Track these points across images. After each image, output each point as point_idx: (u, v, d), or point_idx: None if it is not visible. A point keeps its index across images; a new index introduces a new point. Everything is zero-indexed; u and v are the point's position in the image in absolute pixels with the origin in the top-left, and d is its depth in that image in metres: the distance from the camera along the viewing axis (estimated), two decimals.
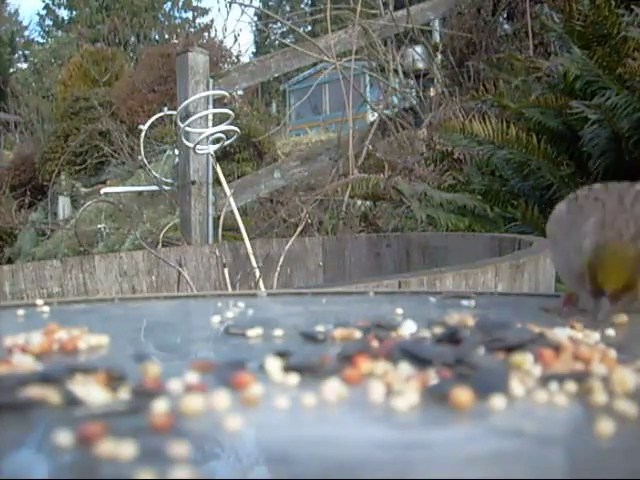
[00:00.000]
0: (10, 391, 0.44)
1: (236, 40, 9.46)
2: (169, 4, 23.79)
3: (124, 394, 0.44)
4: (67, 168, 8.49)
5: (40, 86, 14.33)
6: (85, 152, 8.55)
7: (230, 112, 2.69)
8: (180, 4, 24.06)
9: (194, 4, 24.46)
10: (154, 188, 4.71)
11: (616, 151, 2.97)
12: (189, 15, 24.61)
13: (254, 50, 21.78)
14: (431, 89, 5.46)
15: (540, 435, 0.38)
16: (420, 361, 0.49)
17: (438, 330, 0.62)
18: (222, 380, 0.46)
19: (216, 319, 0.74)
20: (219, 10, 23.65)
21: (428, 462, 0.35)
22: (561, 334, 0.57)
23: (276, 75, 4.43)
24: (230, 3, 5.83)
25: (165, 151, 6.13)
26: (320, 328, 0.65)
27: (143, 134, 3.34)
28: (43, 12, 26.34)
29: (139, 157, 4.55)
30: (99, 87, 10.07)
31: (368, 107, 5.51)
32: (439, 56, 5.45)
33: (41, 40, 26.27)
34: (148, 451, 0.35)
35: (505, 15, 5.36)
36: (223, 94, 3.97)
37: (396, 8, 5.07)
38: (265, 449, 0.37)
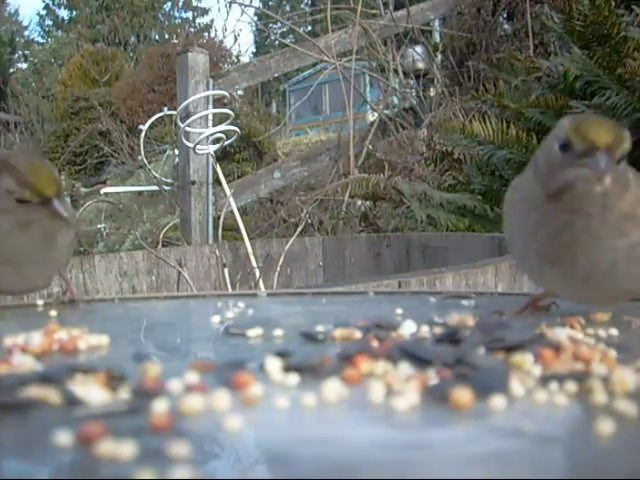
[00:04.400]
0: (10, 391, 0.44)
1: (236, 40, 9.48)
2: (169, 4, 23.76)
3: (124, 394, 0.44)
4: (67, 168, 8.48)
5: (40, 86, 14.32)
6: (85, 152, 8.55)
7: (230, 112, 2.69)
8: (180, 4, 24.03)
9: (194, 4, 24.43)
10: (154, 188, 4.71)
11: None
12: (189, 15, 24.60)
13: (254, 50, 21.74)
14: (431, 89, 5.45)
15: (540, 435, 0.38)
16: (420, 361, 0.49)
17: (438, 330, 0.62)
18: (222, 380, 0.46)
19: (216, 319, 0.74)
20: (219, 10, 23.67)
21: (428, 462, 0.35)
22: (561, 334, 0.57)
23: (276, 75, 4.43)
24: (230, 3, 5.83)
25: (165, 151, 6.12)
26: (320, 328, 0.65)
27: (143, 134, 3.34)
28: (43, 12, 26.33)
29: (139, 157, 4.55)
30: (99, 87, 10.07)
31: (368, 107, 5.50)
32: (439, 56, 5.44)
33: (41, 40, 26.25)
34: (148, 451, 0.35)
35: (505, 15, 5.35)
36: (223, 94, 3.96)
37: (396, 8, 5.06)
38: (265, 449, 0.37)
